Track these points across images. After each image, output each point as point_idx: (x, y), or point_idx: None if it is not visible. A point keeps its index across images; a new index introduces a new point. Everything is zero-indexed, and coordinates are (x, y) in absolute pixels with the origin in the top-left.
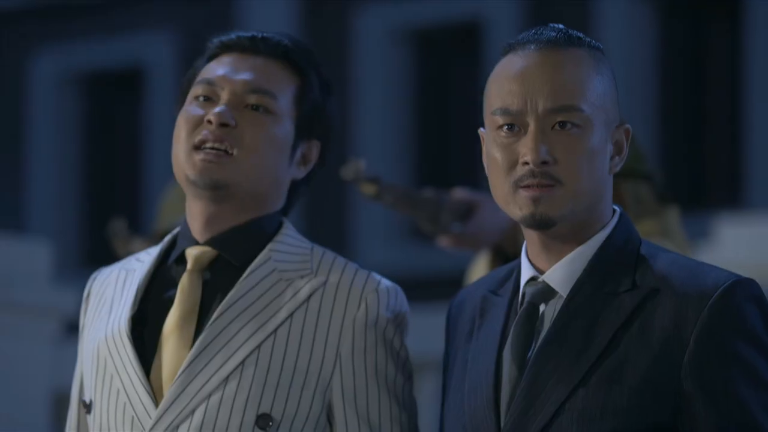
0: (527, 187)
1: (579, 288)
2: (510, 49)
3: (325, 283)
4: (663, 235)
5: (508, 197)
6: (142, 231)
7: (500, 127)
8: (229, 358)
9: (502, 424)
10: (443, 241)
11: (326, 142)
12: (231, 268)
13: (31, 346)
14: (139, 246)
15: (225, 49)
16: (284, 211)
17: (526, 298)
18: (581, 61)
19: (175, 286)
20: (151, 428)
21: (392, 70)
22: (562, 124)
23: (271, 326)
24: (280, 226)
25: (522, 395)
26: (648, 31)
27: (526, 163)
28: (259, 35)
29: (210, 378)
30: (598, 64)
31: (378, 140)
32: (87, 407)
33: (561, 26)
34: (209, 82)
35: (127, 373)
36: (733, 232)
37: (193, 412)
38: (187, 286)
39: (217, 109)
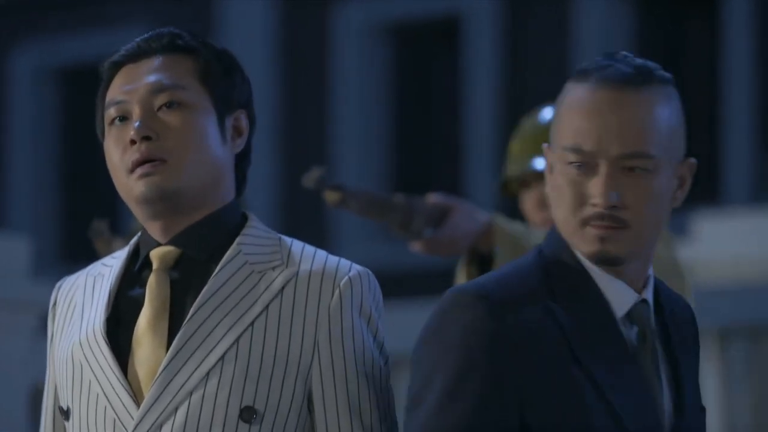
0: (595, 225)
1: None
2: (583, 77)
3: (297, 272)
4: None
5: (575, 231)
6: (122, 227)
7: (571, 163)
8: (208, 353)
9: None
10: (416, 247)
11: (250, 107)
12: (197, 264)
13: (10, 341)
14: (120, 246)
15: (117, 66)
16: (238, 187)
17: (650, 325)
18: (655, 102)
19: (142, 287)
20: (134, 429)
21: (371, 66)
22: (632, 168)
23: (247, 319)
24: (244, 219)
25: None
26: (625, 28)
27: (595, 205)
28: (140, 39)
29: (191, 375)
30: (670, 100)
31: (357, 136)
32: (65, 414)
33: (637, 61)
34: (117, 102)
35: (105, 375)
36: (711, 227)
37: (175, 410)
38: (155, 285)
39: (135, 126)
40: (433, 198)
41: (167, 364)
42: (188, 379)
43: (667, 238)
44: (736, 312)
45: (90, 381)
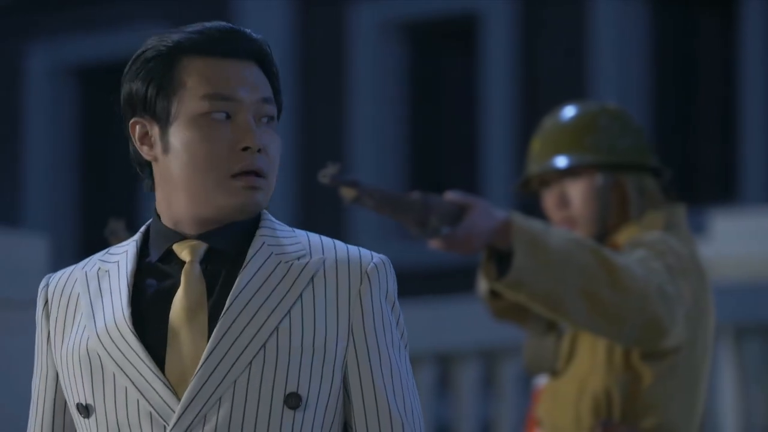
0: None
1: None
2: None
3: (324, 261)
4: (666, 228)
5: None
6: (138, 225)
7: None
8: (249, 342)
9: None
10: (433, 244)
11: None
12: (223, 258)
13: (28, 341)
14: None
15: (198, 52)
16: None
17: None
18: None
19: (167, 280)
20: (177, 420)
21: (387, 64)
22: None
23: (284, 307)
24: (258, 215)
25: None
26: (641, 28)
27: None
28: (230, 34)
29: (233, 364)
30: None
31: (373, 134)
32: (85, 410)
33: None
34: (226, 98)
35: (135, 368)
36: (725, 226)
37: (220, 399)
38: (191, 277)
39: (253, 134)
40: (451, 196)
41: (209, 354)
42: (231, 368)
43: (686, 237)
44: (751, 309)
45: (114, 374)
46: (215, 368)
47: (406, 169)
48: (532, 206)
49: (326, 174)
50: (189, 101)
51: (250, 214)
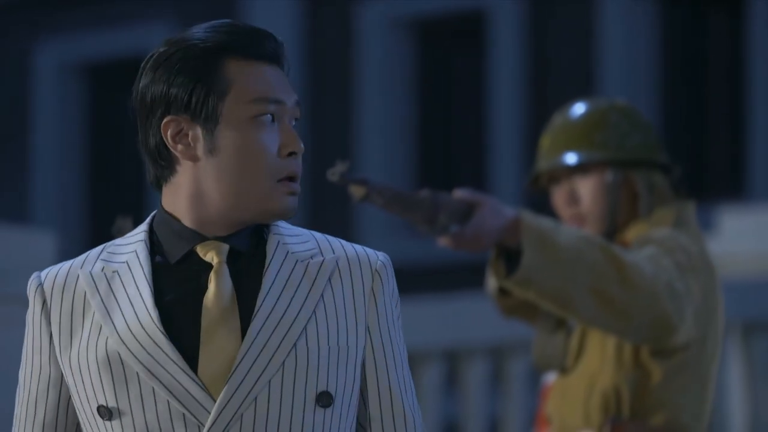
0: None
1: None
2: None
3: (337, 260)
4: (676, 225)
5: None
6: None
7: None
8: (280, 342)
9: None
10: (442, 242)
11: None
12: (243, 257)
13: None
14: None
15: (244, 54)
16: None
17: None
18: None
19: (189, 281)
20: (215, 420)
21: (395, 61)
22: None
23: (309, 308)
24: None
25: None
26: (649, 24)
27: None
28: (261, 35)
29: (267, 363)
30: None
31: (382, 131)
32: (107, 413)
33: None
34: (276, 101)
35: (165, 370)
36: (735, 222)
37: (255, 398)
38: (222, 278)
39: (295, 139)
40: (460, 193)
41: (244, 355)
42: (266, 367)
43: (696, 234)
44: (760, 306)
45: (138, 376)
46: (250, 368)
47: (414, 166)
48: (541, 203)
49: (335, 172)
50: (238, 103)
51: (285, 219)
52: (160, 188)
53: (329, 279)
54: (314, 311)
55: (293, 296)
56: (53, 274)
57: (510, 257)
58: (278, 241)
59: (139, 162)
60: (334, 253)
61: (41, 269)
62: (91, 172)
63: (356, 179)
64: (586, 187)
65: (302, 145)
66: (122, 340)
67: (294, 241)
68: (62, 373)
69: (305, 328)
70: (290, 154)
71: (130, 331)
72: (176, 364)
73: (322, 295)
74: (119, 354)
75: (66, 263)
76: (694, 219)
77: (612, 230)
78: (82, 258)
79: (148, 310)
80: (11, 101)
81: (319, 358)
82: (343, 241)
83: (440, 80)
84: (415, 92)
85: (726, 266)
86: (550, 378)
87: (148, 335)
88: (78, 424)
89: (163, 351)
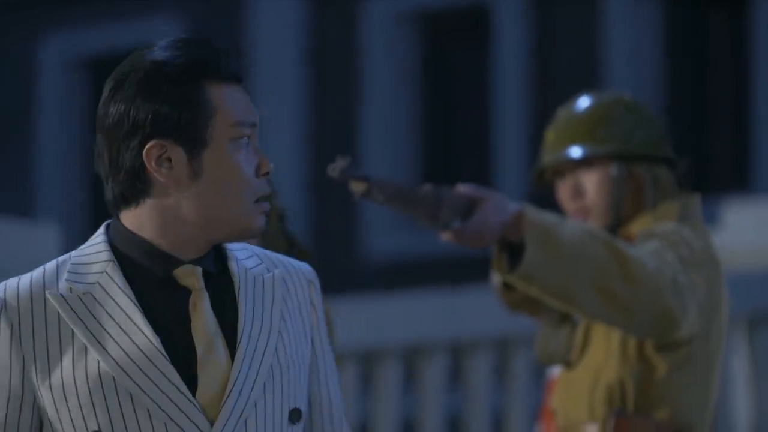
0: None
1: None
2: None
3: (282, 275)
4: (681, 219)
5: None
6: None
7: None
8: (260, 363)
9: None
10: (445, 237)
11: None
12: (213, 279)
13: None
14: None
15: (220, 77)
16: None
17: None
18: None
19: (172, 306)
20: None
21: (400, 56)
22: None
23: (276, 327)
24: None
25: None
26: (654, 18)
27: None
28: (227, 57)
29: (253, 386)
30: None
31: (386, 126)
32: None
33: None
34: (252, 124)
35: (164, 393)
36: (739, 216)
37: (246, 420)
38: (205, 303)
39: (266, 160)
40: (462, 189)
41: (235, 380)
42: (252, 390)
43: (700, 228)
44: (765, 299)
45: (132, 398)
46: (240, 391)
47: (419, 161)
48: (546, 197)
49: (336, 168)
50: (222, 127)
51: (256, 237)
52: (118, 208)
53: (282, 295)
54: (279, 331)
55: (262, 316)
56: (13, 293)
57: (513, 252)
58: (236, 259)
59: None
60: (276, 267)
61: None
62: (95, 166)
63: (357, 175)
64: (591, 181)
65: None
66: (119, 365)
67: (242, 255)
68: (35, 397)
69: (276, 349)
70: (265, 174)
71: (128, 356)
72: (178, 390)
73: (281, 313)
74: (114, 378)
75: (21, 281)
76: (699, 213)
77: (616, 224)
78: (39, 275)
79: (146, 335)
80: (15, 96)
81: (289, 376)
82: (275, 254)
83: (444, 75)
84: (419, 87)
85: (730, 260)
86: (556, 372)
87: (148, 358)
88: None
89: (166, 376)
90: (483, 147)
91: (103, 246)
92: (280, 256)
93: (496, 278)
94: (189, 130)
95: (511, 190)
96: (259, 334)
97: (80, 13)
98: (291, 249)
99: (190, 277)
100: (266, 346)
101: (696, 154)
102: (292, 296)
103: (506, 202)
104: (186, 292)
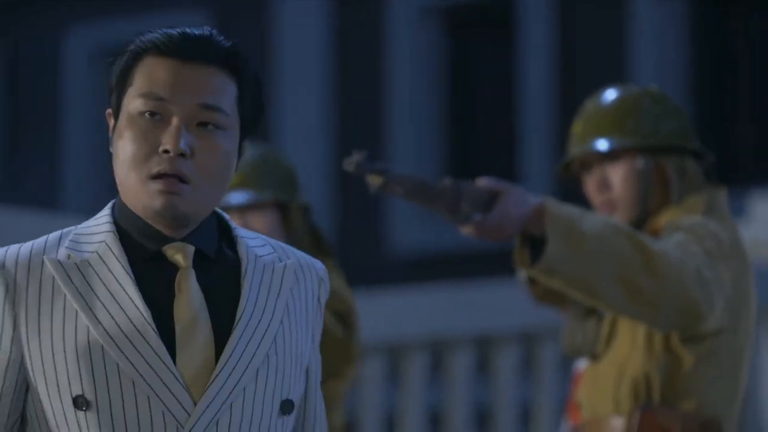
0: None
1: None
2: None
3: (293, 267)
4: (707, 212)
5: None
6: None
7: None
8: (256, 350)
9: None
10: (465, 231)
11: (255, 133)
12: (209, 261)
13: None
14: None
15: (154, 51)
16: None
17: None
18: None
19: (159, 281)
20: (195, 422)
21: (423, 49)
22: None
23: (278, 316)
24: (218, 216)
25: None
26: (679, 10)
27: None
28: (194, 36)
29: (244, 371)
30: None
31: (409, 119)
32: (85, 403)
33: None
34: (157, 97)
35: (150, 366)
36: (765, 208)
37: (231, 405)
38: (191, 282)
39: (174, 137)
40: (483, 182)
41: (226, 361)
42: (242, 374)
43: (727, 221)
44: None
45: (120, 370)
46: (230, 374)
47: (443, 155)
48: (573, 190)
49: (352, 162)
50: (130, 99)
51: (170, 219)
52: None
53: (291, 287)
54: (281, 320)
55: (265, 304)
56: (13, 255)
57: (535, 245)
58: (247, 244)
59: None
60: (289, 258)
61: None
62: None
63: (374, 169)
64: (618, 174)
65: (190, 146)
66: (108, 333)
67: (255, 244)
68: (23, 358)
69: (275, 337)
70: (165, 151)
71: (117, 325)
72: (163, 362)
73: (286, 303)
74: (102, 346)
75: (23, 246)
76: (726, 206)
77: (643, 217)
78: (42, 242)
79: (136, 306)
80: (41, 88)
81: (284, 366)
82: (289, 246)
83: (469, 69)
84: (444, 81)
85: (757, 252)
86: (582, 364)
87: (138, 330)
88: (20, 415)
89: (153, 348)
90: (508, 140)
91: (106, 219)
92: (295, 250)
93: (522, 271)
94: (114, 101)
95: (537, 184)
96: (260, 321)
97: (106, 5)
98: (316, 243)
99: (178, 254)
100: (265, 333)
101: (722, 147)
102: (300, 289)
103: (527, 195)
104: (175, 269)
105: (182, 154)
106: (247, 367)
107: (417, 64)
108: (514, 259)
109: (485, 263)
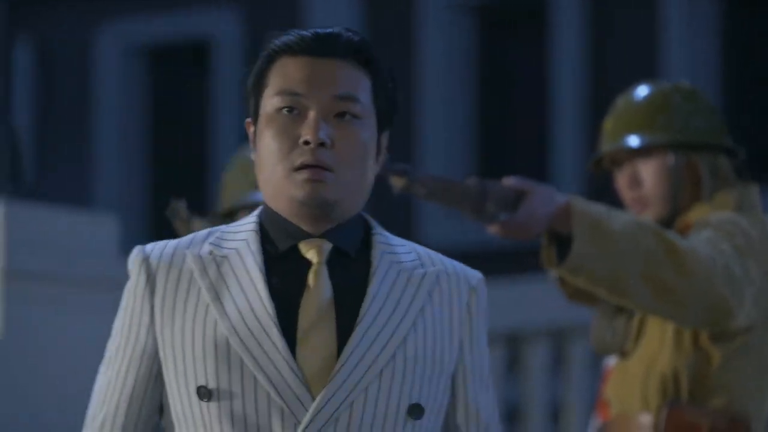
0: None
1: None
2: None
3: (437, 274)
4: (738, 208)
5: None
6: (209, 205)
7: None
8: (381, 351)
9: None
10: (492, 230)
11: (391, 128)
12: (347, 260)
13: (98, 320)
14: (198, 226)
15: (287, 52)
16: None
17: None
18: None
19: (290, 276)
20: (312, 419)
21: (455, 48)
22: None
23: (410, 319)
24: (363, 219)
25: None
26: (711, 7)
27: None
28: (324, 34)
29: (367, 371)
30: None
31: (441, 118)
32: (207, 394)
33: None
34: (293, 93)
35: (271, 362)
36: None
37: (351, 404)
38: (320, 278)
39: (312, 129)
40: (509, 181)
41: (347, 359)
42: (365, 374)
43: (759, 217)
44: None
45: (243, 364)
46: (351, 372)
47: (475, 154)
48: (604, 187)
49: None
50: (267, 100)
51: (315, 207)
52: None
53: (429, 292)
54: (414, 323)
55: (396, 306)
56: (159, 249)
57: (561, 244)
58: (383, 249)
59: (201, 145)
60: (434, 266)
61: (104, 253)
62: (153, 155)
63: (396, 169)
64: (649, 170)
65: (329, 136)
66: (233, 327)
67: (398, 250)
68: (157, 347)
69: (405, 339)
70: (306, 143)
71: (243, 319)
72: (284, 359)
73: (422, 308)
74: (228, 339)
75: (170, 242)
76: (758, 203)
77: (674, 213)
78: (188, 239)
79: (263, 301)
80: (73, 85)
81: (415, 370)
82: (442, 256)
83: (501, 67)
84: (475, 79)
85: None
86: (612, 361)
87: (262, 326)
88: (157, 406)
89: (274, 344)
90: (540, 139)
91: (253, 218)
92: (448, 260)
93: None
94: (252, 107)
95: (569, 183)
96: (387, 321)
97: (138, 2)
98: None
99: (311, 250)
100: (392, 335)
101: (754, 144)
102: (444, 296)
103: (553, 193)
104: (310, 265)
105: (322, 144)
106: (370, 367)
107: (448, 62)
108: (541, 258)
109: (515, 260)
